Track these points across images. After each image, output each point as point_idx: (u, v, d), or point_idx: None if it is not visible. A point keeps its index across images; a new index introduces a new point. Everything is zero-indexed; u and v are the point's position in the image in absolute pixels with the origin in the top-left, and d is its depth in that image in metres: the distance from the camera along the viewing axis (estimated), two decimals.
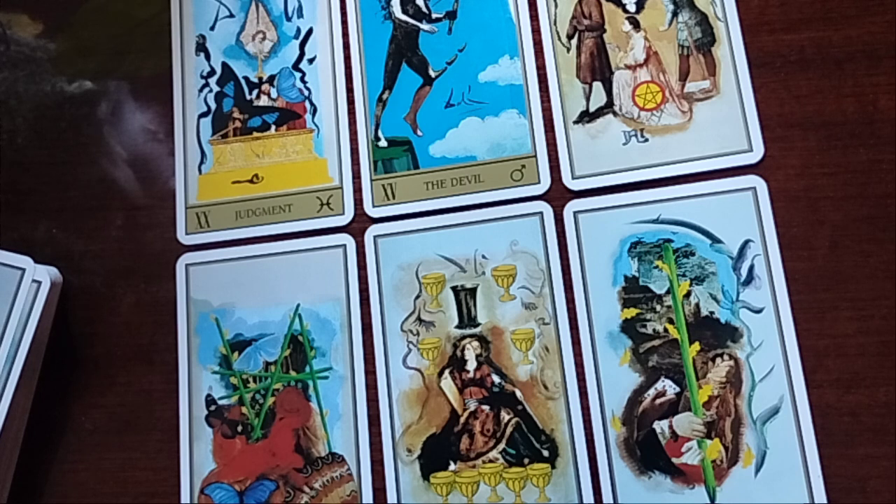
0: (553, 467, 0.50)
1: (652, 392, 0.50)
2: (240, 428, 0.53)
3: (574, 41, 0.56)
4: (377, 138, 0.56)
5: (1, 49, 0.62)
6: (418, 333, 0.53)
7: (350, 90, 0.58)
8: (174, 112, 0.59)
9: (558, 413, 0.50)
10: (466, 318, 0.53)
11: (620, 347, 0.50)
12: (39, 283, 0.51)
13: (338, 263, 0.54)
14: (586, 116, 0.54)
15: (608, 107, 0.54)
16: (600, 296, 0.51)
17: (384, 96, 0.57)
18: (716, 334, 0.50)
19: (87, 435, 0.54)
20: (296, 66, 0.58)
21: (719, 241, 0.51)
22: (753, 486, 0.48)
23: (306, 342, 0.54)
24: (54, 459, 0.54)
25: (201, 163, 0.58)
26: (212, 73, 0.59)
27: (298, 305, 0.54)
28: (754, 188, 0.51)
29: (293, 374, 0.53)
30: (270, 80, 0.59)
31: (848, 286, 0.50)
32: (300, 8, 0.59)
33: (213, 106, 0.59)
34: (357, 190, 0.56)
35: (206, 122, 0.58)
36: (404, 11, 0.58)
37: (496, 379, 0.52)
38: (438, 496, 0.51)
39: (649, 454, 0.49)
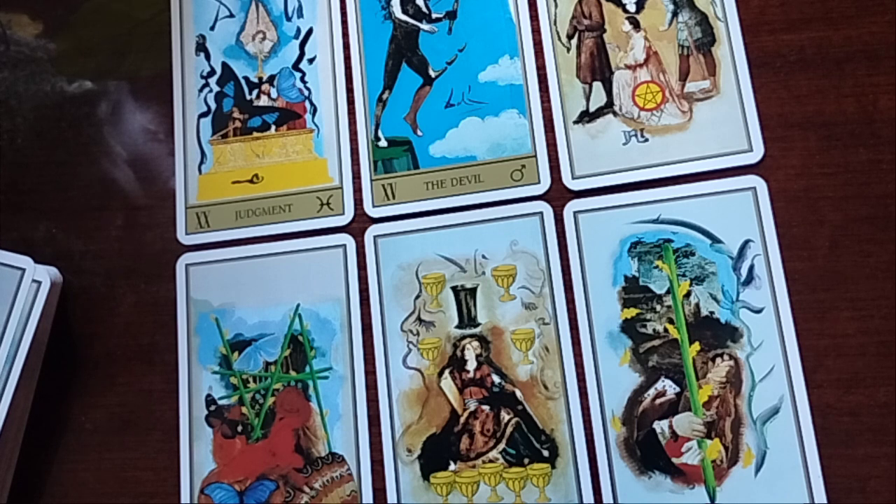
0: (553, 467, 0.50)
1: (652, 392, 0.50)
2: (240, 428, 0.53)
3: (574, 41, 0.56)
4: (377, 138, 0.56)
5: (1, 49, 0.62)
6: (418, 333, 0.53)
7: (350, 90, 0.58)
8: (174, 112, 0.59)
9: (558, 413, 0.50)
10: (466, 318, 0.53)
11: (620, 347, 0.51)
12: (39, 283, 0.51)
13: (338, 263, 0.54)
14: (586, 116, 0.54)
15: (608, 107, 0.54)
16: (600, 296, 0.51)
17: (384, 96, 0.57)
18: (716, 334, 0.50)
19: (87, 435, 0.54)
20: (296, 66, 0.58)
21: (719, 241, 0.51)
22: (753, 486, 0.48)
23: (306, 342, 0.54)
24: (54, 459, 0.54)
25: (201, 163, 0.58)
26: (212, 73, 0.59)
27: (298, 305, 0.54)
28: (754, 188, 0.51)
29: (293, 374, 0.53)
30: (270, 80, 0.59)
31: (848, 286, 0.50)
32: (300, 8, 0.59)
33: (213, 106, 0.59)
34: (357, 190, 0.56)
35: (206, 122, 0.58)
36: (404, 11, 0.58)
37: (496, 379, 0.52)
38: (438, 496, 0.51)
39: (649, 454, 0.49)
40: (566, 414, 0.50)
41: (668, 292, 0.51)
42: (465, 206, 0.54)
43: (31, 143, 0.60)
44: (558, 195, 0.53)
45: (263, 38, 0.59)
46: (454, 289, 0.53)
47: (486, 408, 0.51)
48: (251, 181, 0.57)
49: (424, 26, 0.58)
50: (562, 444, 0.50)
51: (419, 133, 0.56)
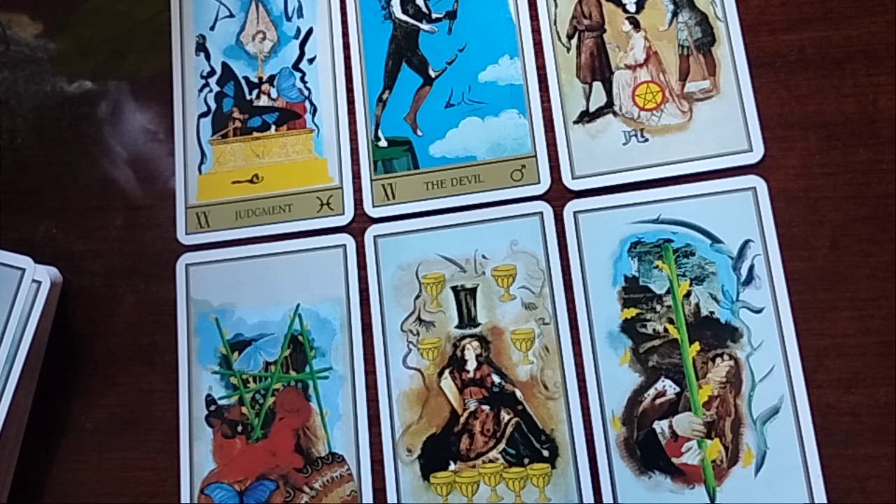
0: (553, 467, 0.50)
1: (652, 392, 0.50)
2: (240, 428, 0.53)
3: (574, 41, 0.56)
4: (377, 138, 0.56)
5: (1, 49, 0.62)
6: (418, 333, 0.53)
7: (350, 90, 0.58)
8: (174, 112, 0.59)
9: (558, 413, 0.50)
10: (466, 318, 0.53)
11: (620, 347, 0.51)
12: (39, 283, 0.51)
13: (338, 263, 0.54)
14: (586, 116, 0.54)
15: (608, 107, 0.54)
16: (600, 296, 0.51)
17: (384, 96, 0.57)
18: (716, 334, 0.50)
19: (87, 435, 0.54)
20: (296, 66, 0.58)
21: (719, 241, 0.51)
22: (753, 486, 0.48)
23: (306, 342, 0.54)
24: (54, 459, 0.54)
25: (201, 163, 0.58)
26: (212, 73, 0.59)
27: (298, 305, 0.54)
28: (754, 188, 0.51)
29: (293, 374, 0.53)
30: (270, 80, 0.59)
31: (848, 286, 0.50)
32: (300, 8, 0.59)
33: (213, 106, 0.59)
34: (357, 190, 0.56)
35: (206, 122, 0.58)
36: (404, 11, 0.58)
37: (496, 379, 0.52)
38: (438, 496, 0.51)
39: (649, 454, 0.49)
40: (566, 414, 0.50)
41: (668, 292, 0.51)
42: (465, 206, 0.54)
43: (31, 143, 0.60)
44: (558, 195, 0.53)
45: (263, 38, 0.59)
46: (454, 289, 0.53)
47: (486, 408, 0.51)
48: (251, 181, 0.57)
49: (424, 26, 0.58)
50: (562, 444, 0.50)
51: (419, 133, 0.56)
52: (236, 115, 0.58)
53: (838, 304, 0.49)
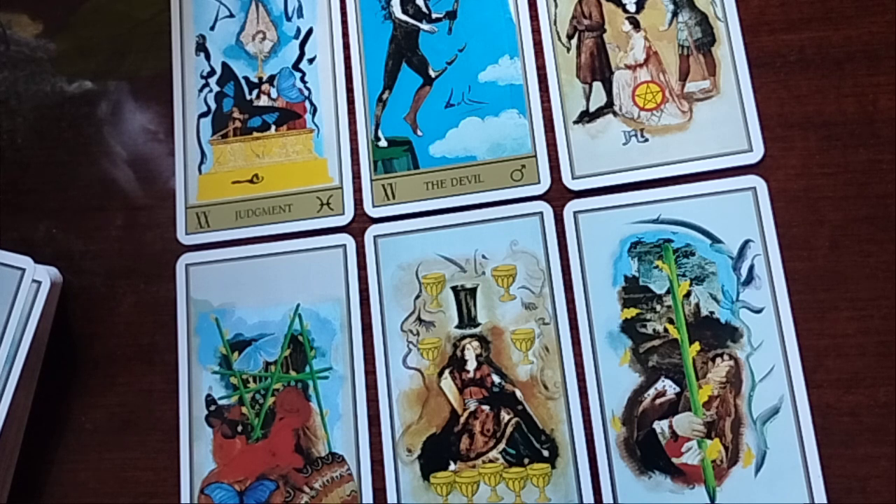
0: (553, 467, 0.50)
1: (652, 392, 0.50)
2: (240, 428, 0.53)
3: (574, 41, 0.56)
4: (377, 138, 0.56)
5: (1, 49, 0.62)
6: (418, 333, 0.53)
7: (350, 90, 0.58)
8: (174, 112, 0.59)
9: (558, 413, 0.50)
10: (466, 318, 0.53)
11: (620, 347, 0.51)
12: (39, 283, 0.51)
13: (338, 263, 0.54)
14: (586, 116, 0.54)
15: (608, 107, 0.54)
16: (600, 296, 0.51)
17: (384, 96, 0.57)
18: (716, 334, 0.50)
19: (87, 435, 0.54)
20: (296, 66, 0.58)
21: (719, 241, 0.51)
22: (753, 486, 0.48)
23: (306, 342, 0.54)
24: (54, 459, 0.54)
25: (201, 163, 0.58)
26: (212, 73, 0.59)
27: (298, 305, 0.54)
28: (754, 188, 0.51)
29: (293, 374, 0.53)
30: (270, 80, 0.59)
31: (848, 286, 0.50)
32: (300, 8, 0.59)
33: (213, 106, 0.59)
34: (357, 190, 0.56)
35: (206, 122, 0.58)
36: (404, 11, 0.58)
37: (496, 379, 0.52)
38: (438, 496, 0.51)
39: (649, 454, 0.49)
40: (566, 414, 0.50)
41: (668, 292, 0.51)
42: (465, 206, 0.54)
43: (31, 143, 0.60)
44: (558, 195, 0.53)
45: (263, 38, 0.59)
46: (454, 289, 0.53)
47: (486, 408, 0.51)
48: (251, 181, 0.57)
49: (424, 26, 0.58)
50: (562, 444, 0.50)
51: (419, 133, 0.56)
52: (236, 115, 0.58)
53: (838, 304, 0.49)
